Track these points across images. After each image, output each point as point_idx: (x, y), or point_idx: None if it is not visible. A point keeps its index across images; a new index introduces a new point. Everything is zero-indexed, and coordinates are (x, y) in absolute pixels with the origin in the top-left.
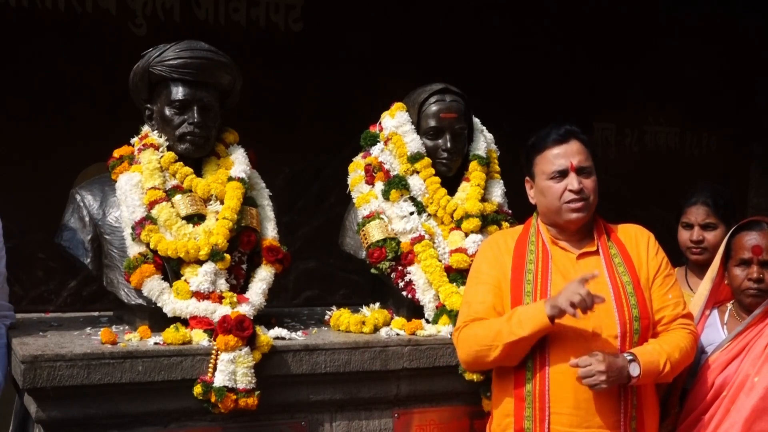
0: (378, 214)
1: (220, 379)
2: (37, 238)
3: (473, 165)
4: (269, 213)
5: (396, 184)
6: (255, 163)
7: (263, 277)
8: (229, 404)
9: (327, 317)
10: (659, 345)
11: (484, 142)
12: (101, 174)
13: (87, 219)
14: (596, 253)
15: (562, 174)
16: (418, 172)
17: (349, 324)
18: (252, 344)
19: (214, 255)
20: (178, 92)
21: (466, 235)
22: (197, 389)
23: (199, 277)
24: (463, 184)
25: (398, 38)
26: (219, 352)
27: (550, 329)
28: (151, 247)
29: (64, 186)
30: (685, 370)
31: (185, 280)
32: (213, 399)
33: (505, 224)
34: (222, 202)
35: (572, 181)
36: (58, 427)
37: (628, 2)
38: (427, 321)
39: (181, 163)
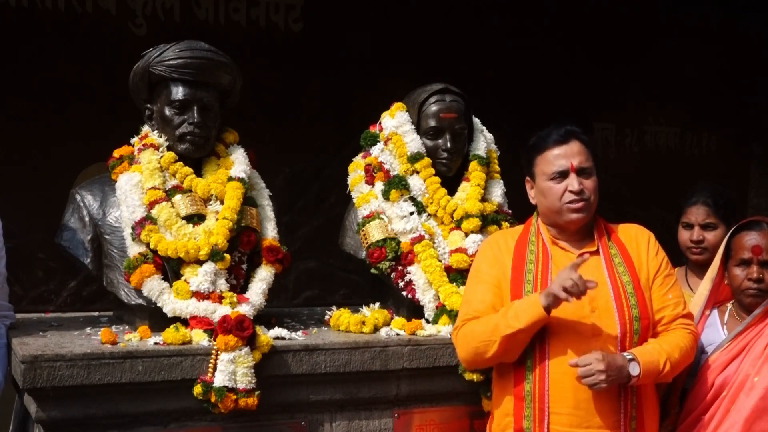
0: (378, 214)
1: (220, 379)
2: (37, 238)
3: (473, 165)
4: (269, 213)
5: (396, 184)
6: (255, 163)
7: (263, 277)
8: (229, 404)
9: (327, 317)
10: (659, 345)
11: (484, 142)
12: (101, 174)
13: (87, 219)
14: (596, 253)
15: (563, 175)
16: (418, 172)
17: (349, 324)
18: (252, 344)
19: (214, 255)
20: (178, 92)
21: (466, 235)
22: (197, 389)
23: (199, 277)
24: (463, 184)
25: (398, 38)
26: (219, 352)
27: (547, 320)
28: (151, 247)
29: (64, 186)
30: (685, 370)
31: (185, 280)
32: (213, 399)
33: (505, 224)
34: (222, 202)
35: (573, 182)
36: (58, 427)
37: (628, 2)
38: (427, 321)
39: (181, 163)
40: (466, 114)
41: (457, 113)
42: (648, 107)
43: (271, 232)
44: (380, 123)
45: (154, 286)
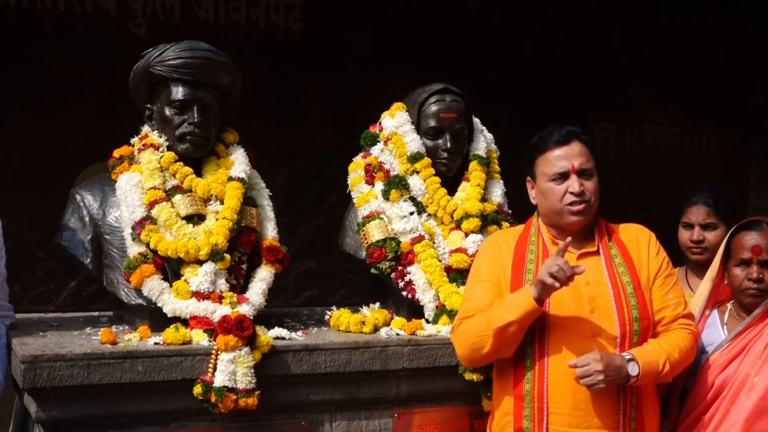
0: (378, 214)
1: (220, 379)
2: (37, 238)
3: (473, 165)
4: (269, 213)
5: (396, 184)
6: (255, 163)
7: (263, 277)
8: (229, 404)
9: (327, 317)
10: (659, 345)
11: (484, 142)
12: (101, 174)
13: (87, 219)
14: (597, 253)
15: (564, 176)
16: (418, 172)
17: (349, 324)
18: (252, 344)
19: (214, 255)
20: (178, 92)
21: (466, 235)
22: (197, 389)
23: (199, 277)
24: (463, 184)
25: (398, 38)
26: (219, 352)
27: (539, 312)
28: (151, 247)
29: (64, 186)
30: (685, 370)
31: (185, 280)
32: (213, 399)
33: (505, 224)
34: (222, 202)
35: (573, 184)
36: (58, 427)
37: (628, 2)
38: (427, 321)
39: (181, 163)
40: (466, 114)
41: (457, 113)
42: (648, 107)
43: (271, 232)
44: (380, 123)
45: (154, 286)
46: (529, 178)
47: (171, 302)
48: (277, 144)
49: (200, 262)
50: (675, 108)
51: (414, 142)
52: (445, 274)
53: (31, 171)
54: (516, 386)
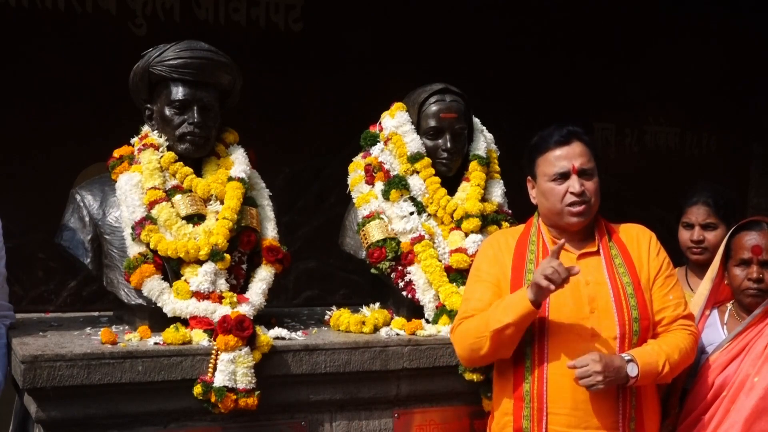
0: (378, 214)
1: (220, 379)
2: (37, 238)
3: (473, 165)
4: (269, 213)
5: (396, 184)
6: (255, 163)
7: (263, 277)
8: (229, 404)
9: (327, 317)
10: (658, 346)
11: (484, 142)
12: (101, 174)
13: (87, 219)
14: (597, 253)
15: (564, 176)
16: (418, 172)
17: (349, 324)
18: (252, 344)
19: (214, 255)
20: (178, 92)
21: (466, 235)
22: (197, 389)
23: (199, 277)
24: (463, 184)
25: (398, 38)
26: (219, 352)
27: (535, 315)
28: (151, 247)
29: (64, 186)
30: (685, 370)
31: (185, 280)
32: (213, 399)
33: (505, 224)
34: (222, 202)
35: (574, 184)
36: (58, 427)
37: (628, 2)
38: (427, 321)
39: (181, 163)
40: (466, 114)
41: (457, 113)
42: (648, 107)
43: (271, 232)
44: (380, 123)
45: (154, 286)
46: (529, 177)
47: (171, 302)
48: (277, 144)
49: (200, 262)
50: (675, 108)
51: (414, 142)
52: (445, 274)
53: (31, 171)
54: (515, 386)
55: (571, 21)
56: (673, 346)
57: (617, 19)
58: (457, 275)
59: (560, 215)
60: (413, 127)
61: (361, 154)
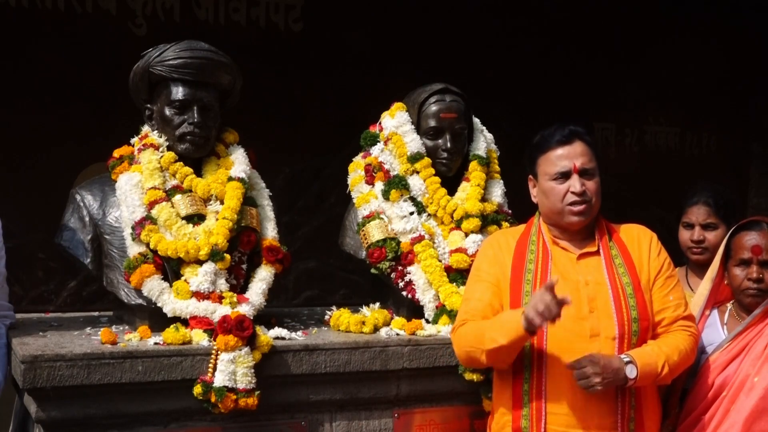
0: (378, 214)
1: (220, 379)
2: (37, 238)
3: (473, 165)
4: (269, 213)
5: (396, 184)
6: (255, 163)
7: (263, 277)
8: (229, 404)
9: (327, 317)
10: (658, 347)
11: (484, 142)
12: (101, 174)
13: (87, 219)
14: (597, 253)
15: (565, 175)
16: (418, 172)
17: (349, 324)
18: (252, 344)
19: (214, 255)
20: (178, 92)
21: (466, 235)
22: (197, 389)
23: (199, 277)
24: (463, 184)
25: (398, 38)
26: (219, 352)
27: (529, 338)
28: (151, 247)
29: (64, 186)
30: (686, 371)
31: (185, 280)
32: (213, 399)
33: (505, 224)
34: (222, 202)
35: (575, 183)
36: (58, 427)
37: (628, 2)
38: (427, 321)
39: (181, 163)
40: (466, 114)
41: (457, 113)
42: (648, 107)
43: (271, 232)
44: (380, 123)
45: (154, 286)
46: (531, 176)
47: (171, 302)
48: (277, 144)
49: (200, 262)
50: (675, 108)
51: (414, 142)
52: (445, 274)
53: (31, 171)
54: (515, 386)
55: (571, 21)
56: (672, 347)
57: (617, 19)
58: (457, 275)
59: (561, 215)
60: (413, 127)
61: (361, 154)
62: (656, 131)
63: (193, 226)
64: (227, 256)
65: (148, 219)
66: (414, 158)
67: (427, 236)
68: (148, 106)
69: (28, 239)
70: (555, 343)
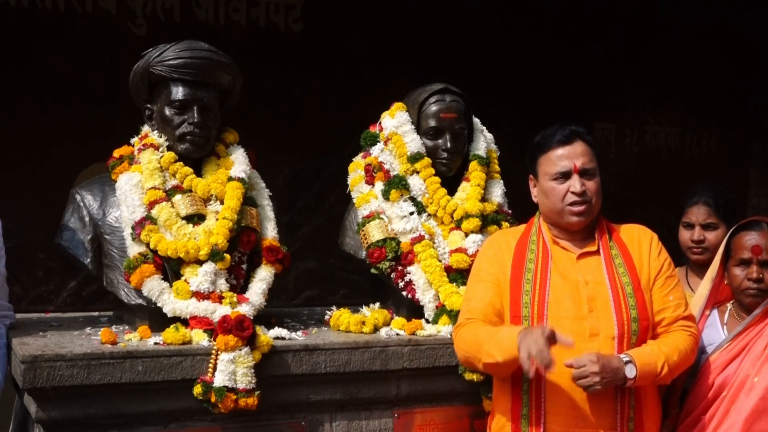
0: (378, 214)
1: (220, 379)
2: (37, 238)
3: (473, 165)
4: (269, 213)
5: (396, 184)
6: (255, 163)
7: (263, 277)
8: (229, 404)
9: (327, 317)
10: (657, 347)
11: (484, 142)
12: (101, 174)
13: (87, 219)
14: (597, 253)
15: (565, 175)
16: (418, 172)
17: (349, 324)
18: (252, 344)
19: (214, 255)
20: (178, 92)
21: (466, 235)
22: (197, 389)
23: (199, 277)
24: (463, 184)
25: (398, 38)
26: (219, 352)
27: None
28: (151, 247)
29: (64, 186)
30: (686, 371)
31: (185, 280)
32: (213, 399)
33: (505, 224)
34: (222, 202)
35: (575, 183)
36: (58, 427)
37: (628, 2)
38: (427, 321)
39: (181, 163)
40: (466, 114)
41: (457, 113)
42: (648, 107)
43: (271, 232)
44: (380, 123)
45: (154, 286)
46: (531, 176)
47: (171, 302)
48: (277, 144)
49: (200, 262)
50: (675, 108)
51: (414, 142)
52: (445, 274)
53: (30, 171)
54: (514, 386)
55: (571, 21)
56: (672, 347)
57: (617, 19)
58: (457, 275)
59: (561, 214)
60: (413, 127)
61: (361, 154)
62: (656, 131)
63: (193, 226)
64: (227, 256)
65: (148, 219)
66: (414, 158)
67: (427, 236)
68: (148, 106)
69: (28, 239)
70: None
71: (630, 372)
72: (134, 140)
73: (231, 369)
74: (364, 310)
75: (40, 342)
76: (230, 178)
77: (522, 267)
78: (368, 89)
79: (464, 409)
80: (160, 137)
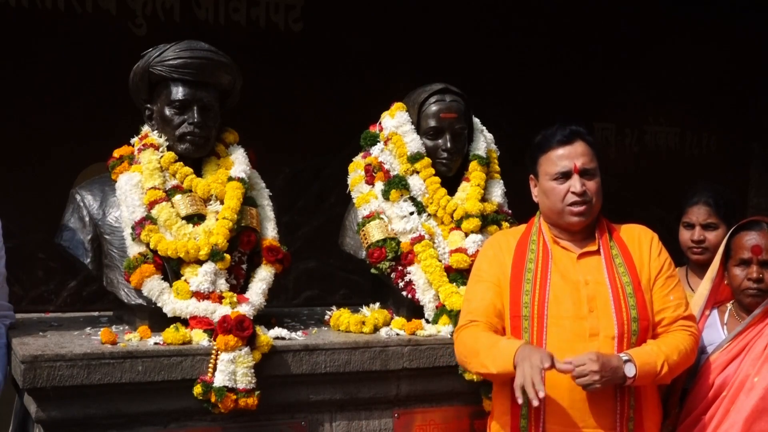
0: (378, 214)
1: (220, 379)
2: (37, 238)
3: (473, 165)
4: (269, 213)
5: (396, 184)
6: (255, 163)
7: (263, 277)
8: (229, 404)
9: (327, 317)
10: (657, 346)
11: (484, 142)
12: (101, 174)
13: (87, 219)
14: (597, 253)
15: (566, 175)
16: (418, 172)
17: (349, 324)
18: (252, 344)
19: (214, 255)
20: (178, 92)
21: (466, 235)
22: (197, 389)
23: (199, 277)
24: (463, 184)
25: (398, 38)
26: (219, 352)
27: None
28: (151, 247)
29: (64, 186)
30: (686, 371)
31: (185, 280)
32: (213, 399)
33: (505, 224)
34: (222, 202)
35: (575, 183)
36: (58, 427)
37: (628, 2)
38: (427, 321)
39: (181, 163)
40: (466, 114)
41: (457, 113)
42: (648, 107)
43: (271, 232)
44: (380, 123)
45: (154, 286)
46: (532, 176)
47: (171, 302)
48: (277, 144)
49: (200, 262)
50: (675, 108)
51: (414, 142)
52: (445, 274)
53: (30, 171)
54: (514, 385)
55: (572, 21)
56: (672, 346)
57: (617, 20)
58: (457, 275)
59: (561, 215)
60: (413, 127)
61: (361, 154)
62: (656, 131)
63: (193, 226)
64: (227, 256)
65: (148, 219)
66: (414, 158)
67: (427, 236)
68: (148, 106)
69: (28, 239)
70: (554, 342)
71: (629, 371)
72: (134, 140)
73: (231, 369)
74: (364, 310)
75: (40, 342)
76: (230, 178)
77: (522, 267)
78: (368, 89)
79: (464, 409)
80: (160, 137)
